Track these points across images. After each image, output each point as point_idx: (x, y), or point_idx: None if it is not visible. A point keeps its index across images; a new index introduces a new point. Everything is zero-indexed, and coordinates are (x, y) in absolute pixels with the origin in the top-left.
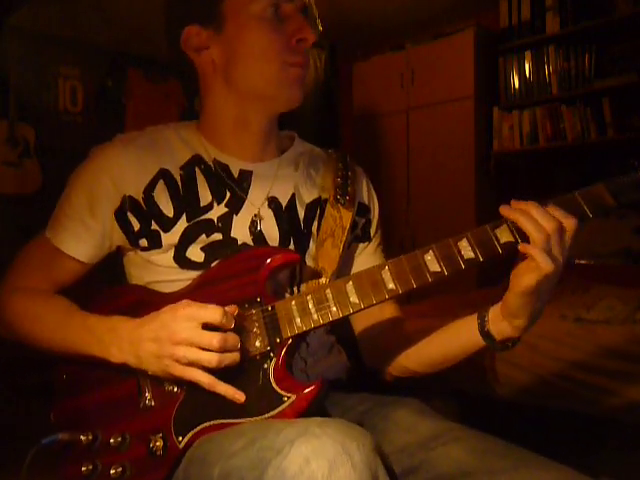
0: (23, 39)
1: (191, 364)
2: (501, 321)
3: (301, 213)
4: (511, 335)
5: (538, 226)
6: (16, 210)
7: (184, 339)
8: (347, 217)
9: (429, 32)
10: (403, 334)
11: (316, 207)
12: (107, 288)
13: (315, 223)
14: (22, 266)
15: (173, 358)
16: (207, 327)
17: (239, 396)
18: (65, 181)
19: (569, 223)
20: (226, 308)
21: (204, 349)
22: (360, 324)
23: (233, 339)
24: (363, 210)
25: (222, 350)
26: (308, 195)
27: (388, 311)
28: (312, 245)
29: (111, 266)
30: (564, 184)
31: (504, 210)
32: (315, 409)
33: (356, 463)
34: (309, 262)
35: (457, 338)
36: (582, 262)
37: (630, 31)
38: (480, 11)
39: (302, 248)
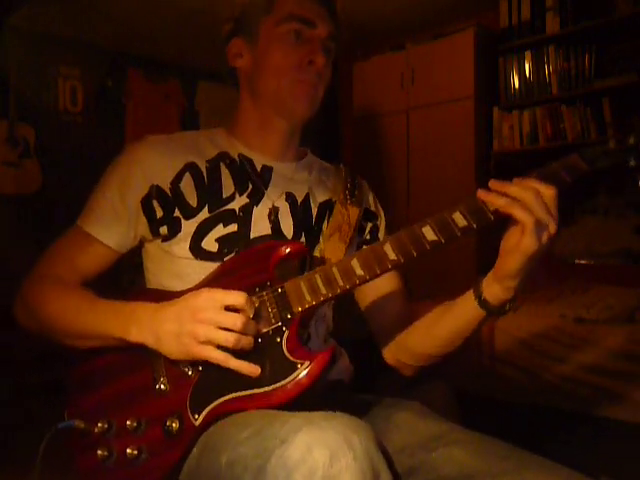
0: (23, 39)
1: (208, 342)
2: (493, 285)
3: (314, 211)
4: (505, 297)
5: (514, 199)
6: (16, 210)
7: (206, 318)
8: (354, 214)
9: (429, 32)
10: (412, 320)
11: (327, 208)
12: (126, 290)
13: (325, 222)
14: (53, 255)
15: (192, 335)
16: (229, 310)
17: (254, 369)
18: (65, 181)
19: (547, 190)
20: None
21: (223, 329)
22: (373, 317)
23: (253, 324)
24: (370, 215)
25: (243, 332)
26: (321, 196)
27: (398, 299)
28: (322, 241)
29: (113, 274)
30: None
31: (481, 194)
32: (316, 404)
33: (357, 454)
34: (317, 255)
35: (460, 313)
36: (582, 262)
37: (630, 31)
38: (480, 11)
39: (312, 243)
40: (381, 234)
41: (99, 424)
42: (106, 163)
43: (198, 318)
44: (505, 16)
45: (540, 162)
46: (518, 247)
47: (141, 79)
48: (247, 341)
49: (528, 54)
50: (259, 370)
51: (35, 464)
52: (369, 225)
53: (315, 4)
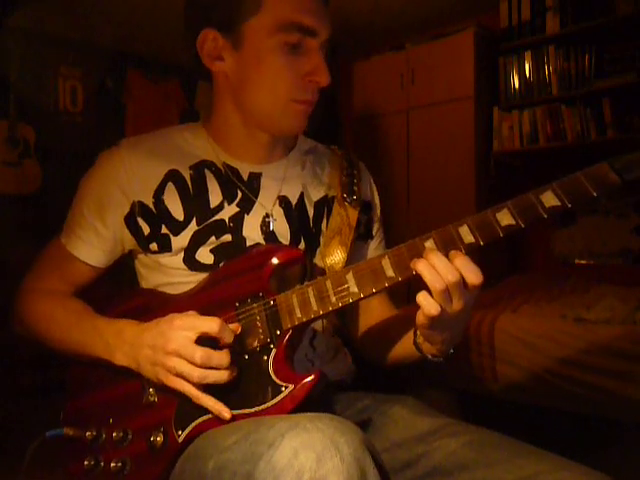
0: (23, 39)
1: (180, 375)
2: (424, 341)
3: (310, 211)
4: (435, 354)
5: (437, 276)
6: (16, 210)
7: (175, 349)
8: (353, 215)
9: (429, 32)
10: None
11: (324, 205)
12: (119, 292)
13: (324, 221)
14: (40, 268)
15: (164, 367)
16: (205, 339)
17: (225, 413)
18: (65, 181)
19: (472, 277)
20: (230, 326)
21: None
22: (361, 326)
23: (219, 357)
24: (366, 208)
25: (205, 366)
26: (316, 193)
27: (380, 306)
28: (322, 245)
29: (117, 271)
30: None
31: (413, 263)
32: (314, 400)
33: (344, 457)
34: (319, 260)
35: (408, 344)
36: (582, 262)
37: (630, 31)
38: (480, 11)
39: (313, 246)
40: (375, 226)
41: (87, 432)
42: None
43: (168, 349)
44: (505, 16)
45: (540, 162)
46: (420, 304)
47: (141, 79)
48: (214, 376)
49: (528, 54)
50: (230, 415)
51: (21, 471)
52: (365, 219)
53: (315, 2)
